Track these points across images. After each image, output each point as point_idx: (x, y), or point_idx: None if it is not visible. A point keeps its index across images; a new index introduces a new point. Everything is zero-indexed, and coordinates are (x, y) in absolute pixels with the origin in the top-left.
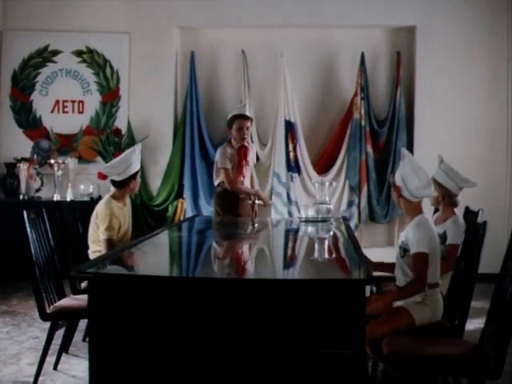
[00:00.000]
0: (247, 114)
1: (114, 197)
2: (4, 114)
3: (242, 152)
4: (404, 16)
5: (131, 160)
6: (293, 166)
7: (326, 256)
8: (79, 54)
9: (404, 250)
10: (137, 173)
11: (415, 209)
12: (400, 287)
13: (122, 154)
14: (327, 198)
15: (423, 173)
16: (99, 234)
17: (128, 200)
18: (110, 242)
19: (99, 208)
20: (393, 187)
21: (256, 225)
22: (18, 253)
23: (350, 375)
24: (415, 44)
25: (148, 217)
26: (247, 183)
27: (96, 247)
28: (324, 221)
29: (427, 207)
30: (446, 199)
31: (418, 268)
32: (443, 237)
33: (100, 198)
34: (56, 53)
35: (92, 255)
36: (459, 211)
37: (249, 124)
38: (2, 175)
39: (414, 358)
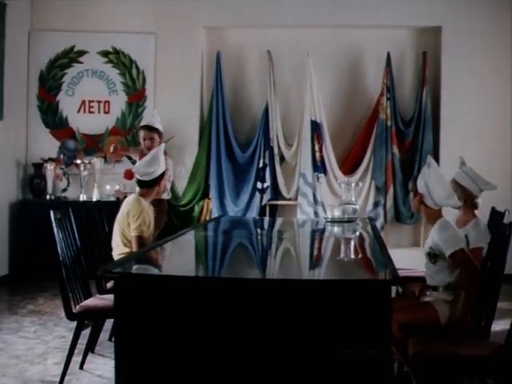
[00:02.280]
0: (153, 125)
1: (142, 196)
2: (31, 115)
3: None
4: (430, 16)
5: (160, 160)
6: (319, 167)
7: (352, 256)
8: (105, 54)
9: (434, 256)
10: (164, 172)
11: (436, 215)
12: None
13: (150, 154)
14: (353, 199)
15: (446, 183)
16: (131, 232)
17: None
18: (141, 240)
19: (130, 206)
20: (412, 193)
21: None
22: (45, 253)
23: (376, 376)
24: (441, 44)
25: (174, 217)
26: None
27: (123, 249)
28: (350, 221)
29: (450, 210)
30: (468, 202)
31: (464, 264)
32: (466, 241)
33: (125, 196)
34: (82, 53)
35: (118, 258)
36: (482, 212)
37: (153, 135)
38: (30, 175)
39: (441, 359)
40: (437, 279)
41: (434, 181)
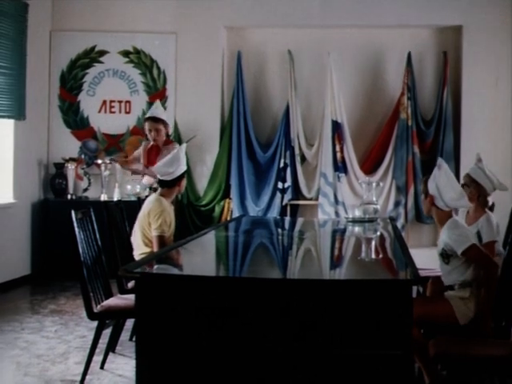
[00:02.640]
0: (158, 115)
1: (162, 195)
2: (53, 115)
3: (153, 152)
4: (450, 15)
5: (180, 159)
6: (340, 167)
7: (373, 256)
8: (126, 54)
9: (447, 256)
10: (185, 172)
11: (446, 216)
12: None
13: (171, 154)
14: (374, 199)
15: (457, 184)
16: (152, 231)
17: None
18: (162, 239)
19: (151, 206)
20: (423, 195)
21: None
22: (67, 252)
23: (397, 376)
24: (462, 43)
25: (195, 217)
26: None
27: (143, 249)
28: (371, 221)
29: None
30: (481, 198)
31: (479, 259)
32: (478, 236)
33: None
34: (103, 53)
35: (139, 258)
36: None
37: (159, 126)
38: (51, 175)
39: (463, 359)
40: (451, 278)
41: (445, 182)
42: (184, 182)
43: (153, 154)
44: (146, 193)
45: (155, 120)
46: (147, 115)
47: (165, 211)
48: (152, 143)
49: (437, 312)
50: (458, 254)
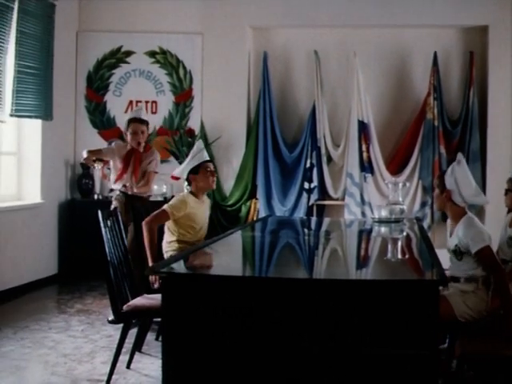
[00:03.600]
0: (143, 117)
1: (191, 192)
2: (79, 115)
3: (135, 159)
4: (476, 15)
5: (189, 156)
6: (366, 167)
7: (399, 257)
8: (152, 54)
9: (460, 253)
10: (198, 167)
11: (461, 213)
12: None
13: (191, 154)
14: (400, 199)
15: (473, 181)
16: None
17: (206, 200)
18: (162, 212)
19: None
20: (439, 190)
21: None
22: (93, 252)
23: (423, 376)
24: (488, 43)
25: (221, 217)
26: (139, 189)
27: (170, 237)
28: (397, 221)
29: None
30: None
31: (490, 262)
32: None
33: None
34: (129, 53)
35: (166, 245)
36: None
37: (144, 128)
38: (78, 175)
39: (489, 358)
40: (460, 271)
41: (464, 178)
42: (201, 178)
43: (135, 161)
44: (114, 195)
45: (141, 121)
46: (131, 116)
47: (184, 202)
48: (130, 147)
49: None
50: (473, 252)
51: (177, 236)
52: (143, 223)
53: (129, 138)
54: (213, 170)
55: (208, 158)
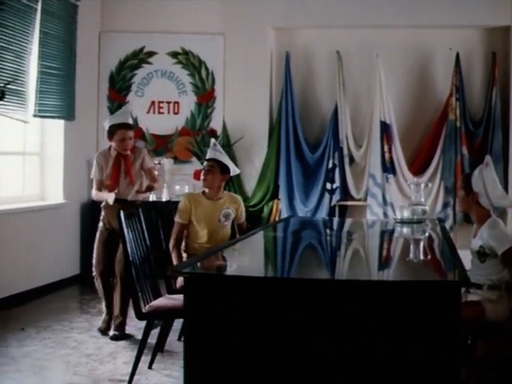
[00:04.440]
0: (129, 121)
1: (203, 192)
2: (102, 115)
3: (122, 162)
4: (499, 16)
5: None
6: (388, 167)
7: (421, 257)
8: (174, 55)
9: (484, 255)
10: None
11: (486, 215)
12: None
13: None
14: (423, 200)
15: (499, 184)
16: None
17: (227, 199)
18: (176, 225)
19: None
20: (464, 192)
21: None
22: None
23: (445, 377)
24: (510, 44)
25: None
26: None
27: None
28: (419, 222)
29: None
30: None
31: None
32: None
33: None
34: (151, 54)
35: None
36: None
37: (132, 134)
38: None
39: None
40: (482, 277)
41: (492, 180)
42: (202, 176)
43: (126, 165)
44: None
45: (129, 127)
46: (118, 121)
47: (186, 200)
48: (116, 152)
49: (468, 314)
50: (498, 253)
51: (185, 238)
52: (170, 244)
53: (115, 144)
54: (207, 169)
55: (210, 157)
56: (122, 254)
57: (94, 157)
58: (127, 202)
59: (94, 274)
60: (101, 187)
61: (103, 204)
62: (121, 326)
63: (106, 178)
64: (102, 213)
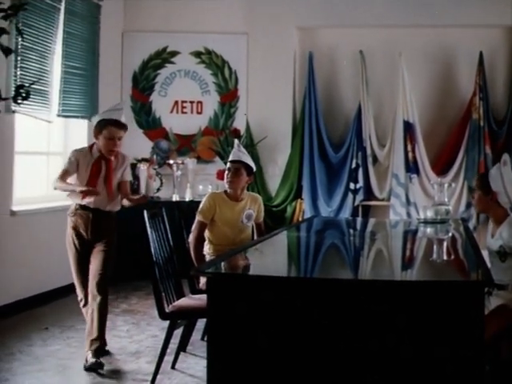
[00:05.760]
0: (123, 120)
1: (225, 191)
2: (125, 115)
3: (104, 166)
4: None
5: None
6: (411, 167)
7: (445, 257)
8: (197, 54)
9: (504, 254)
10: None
11: (505, 214)
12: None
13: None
14: (446, 199)
15: None
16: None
17: (249, 200)
18: (197, 224)
19: None
20: (482, 192)
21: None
22: (138, 252)
23: (468, 378)
24: None
25: (266, 217)
26: (112, 204)
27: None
28: (443, 222)
29: None
30: None
31: None
32: None
33: None
34: (174, 54)
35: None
36: None
37: (122, 134)
38: None
39: None
40: (505, 277)
41: (511, 179)
42: (228, 178)
43: (107, 170)
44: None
45: (120, 126)
46: (109, 117)
47: (209, 200)
48: (98, 153)
49: (497, 325)
50: None
51: (207, 239)
52: (190, 243)
53: (100, 142)
54: (233, 171)
55: (235, 158)
56: (99, 266)
57: (69, 153)
58: (100, 211)
59: (80, 300)
60: (66, 178)
61: (71, 211)
62: (100, 352)
63: (81, 182)
64: (69, 222)
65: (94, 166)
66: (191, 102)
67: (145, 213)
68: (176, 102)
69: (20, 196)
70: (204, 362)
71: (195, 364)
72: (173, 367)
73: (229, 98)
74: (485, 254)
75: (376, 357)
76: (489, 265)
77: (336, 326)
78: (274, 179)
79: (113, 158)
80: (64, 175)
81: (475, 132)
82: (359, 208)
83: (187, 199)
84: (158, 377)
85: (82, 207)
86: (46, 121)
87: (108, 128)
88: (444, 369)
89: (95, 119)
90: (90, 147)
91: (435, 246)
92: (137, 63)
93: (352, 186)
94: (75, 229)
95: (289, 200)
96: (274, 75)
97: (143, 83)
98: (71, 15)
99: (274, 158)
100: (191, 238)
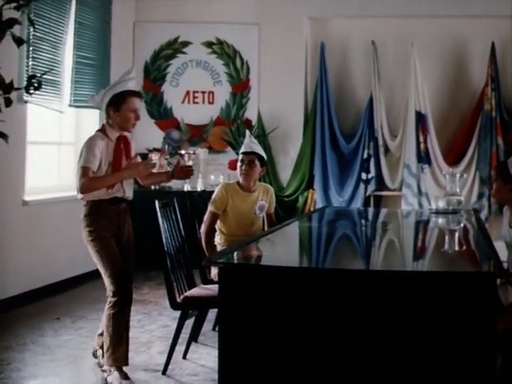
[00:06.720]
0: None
1: (238, 182)
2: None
3: (123, 145)
4: None
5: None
6: (423, 158)
7: (456, 248)
8: (209, 45)
9: None
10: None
11: None
12: None
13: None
14: (458, 190)
15: None
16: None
17: (262, 191)
18: (209, 214)
19: None
20: (502, 181)
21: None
22: (150, 242)
23: (480, 369)
24: None
25: (278, 207)
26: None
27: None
28: (454, 213)
29: None
30: None
31: None
32: None
33: None
34: (186, 44)
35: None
36: None
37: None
38: None
39: None
40: None
41: None
42: (242, 170)
43: (127, 152)
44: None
45: (140, 96)
46: (124, 88)
47: (222, 190)
48: (118, 133)
49: None
50: None
51: (219, 229)
52: (202, 234)
53: (120, 117)
54: (247, 163)
55: (248, 149)
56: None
57: (86, 143)
58: (126, 201)
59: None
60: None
61: (90, 206)
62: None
63: (101, 170)
64: (96, 220)
65: (116, 148)
66: (203, 92)
67: (156, 203)
68: (187, 92)
69: (32, 186)
70: (215, 353)
71: (207, 354)
72: (184, 357)
73: (240, 88)
74: (497, 245)
75: (388, 347)
76: (505, 255)
77: (347, 316)
78: (285, 169)
79: (129, 135)
80: (88, 172)
81: (487, 123)
82: (371, 198)
83: (199, 189)
84: (170, 367)
85: (111, 201)
86: (58, 111)
87: (130, 99)
88: (455, 359)
89: (107, 94)
90: (102, 131)
91: (447, 237)
92: (148, 53)
93: (364, 176)
94: (104, 226)
95: (300, 190)
96: (286, 65)
97: (155, 73)
98: (83, 5)
99: (285, 148)
100: (203, 228)
